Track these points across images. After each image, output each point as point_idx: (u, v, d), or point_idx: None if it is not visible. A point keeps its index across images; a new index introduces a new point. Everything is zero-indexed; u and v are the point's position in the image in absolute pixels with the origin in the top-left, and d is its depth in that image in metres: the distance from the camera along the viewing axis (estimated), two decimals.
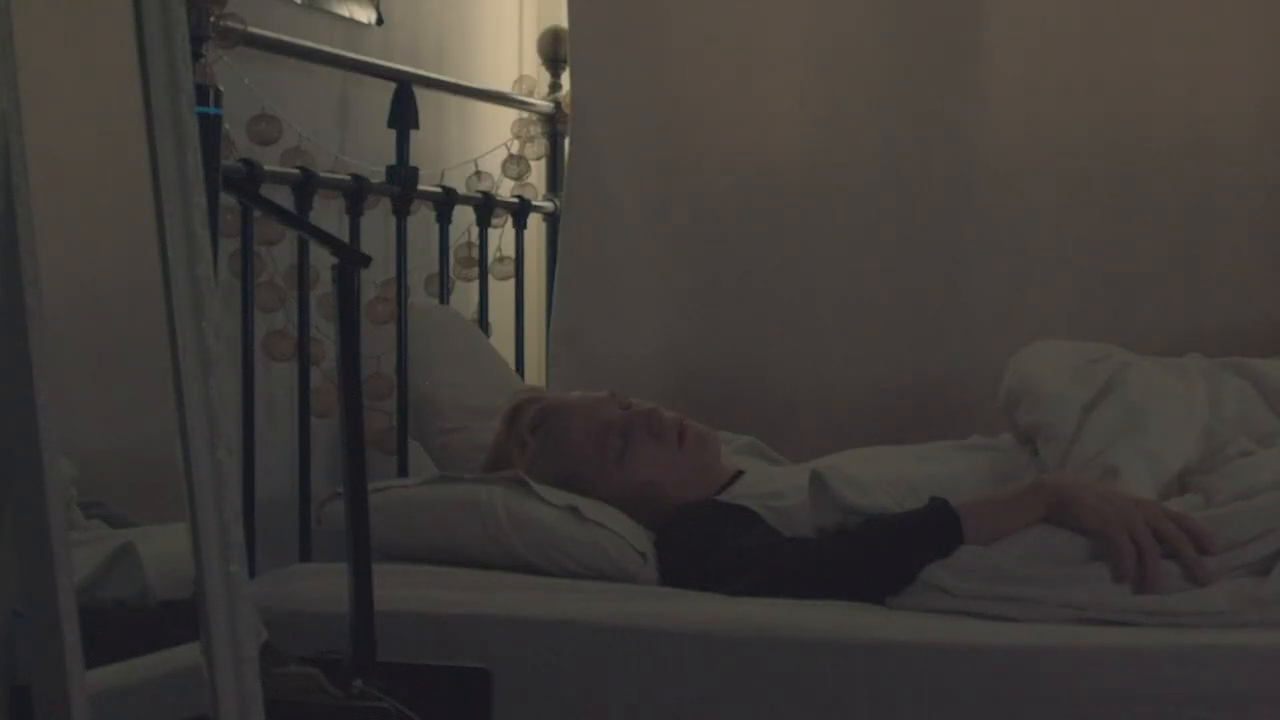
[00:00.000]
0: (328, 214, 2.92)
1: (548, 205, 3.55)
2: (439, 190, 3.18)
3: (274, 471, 2.78)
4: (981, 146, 3.24)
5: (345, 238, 2.80)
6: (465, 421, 2.96)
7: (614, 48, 3.39)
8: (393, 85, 3.06)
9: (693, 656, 2.17)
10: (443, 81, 3.32)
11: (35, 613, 1.50)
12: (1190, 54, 3.18)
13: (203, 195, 1.67)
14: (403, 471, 2.98)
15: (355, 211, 2.90)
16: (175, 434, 1.66)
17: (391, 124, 3.04)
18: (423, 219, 3.16)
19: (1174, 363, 2.73)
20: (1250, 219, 3.16)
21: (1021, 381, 2.68)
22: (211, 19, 2.51)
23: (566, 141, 3.50)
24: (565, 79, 3.52)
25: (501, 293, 3.41)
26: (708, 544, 2.48)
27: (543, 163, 3.60)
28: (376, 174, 3.00)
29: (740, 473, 2.71)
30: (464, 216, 3.30)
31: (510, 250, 3.45)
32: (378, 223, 3.04)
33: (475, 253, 3.33)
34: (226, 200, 2.51)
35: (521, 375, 3.37)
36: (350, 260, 2.10)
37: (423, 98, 3.09)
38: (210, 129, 1.90)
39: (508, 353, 3.34)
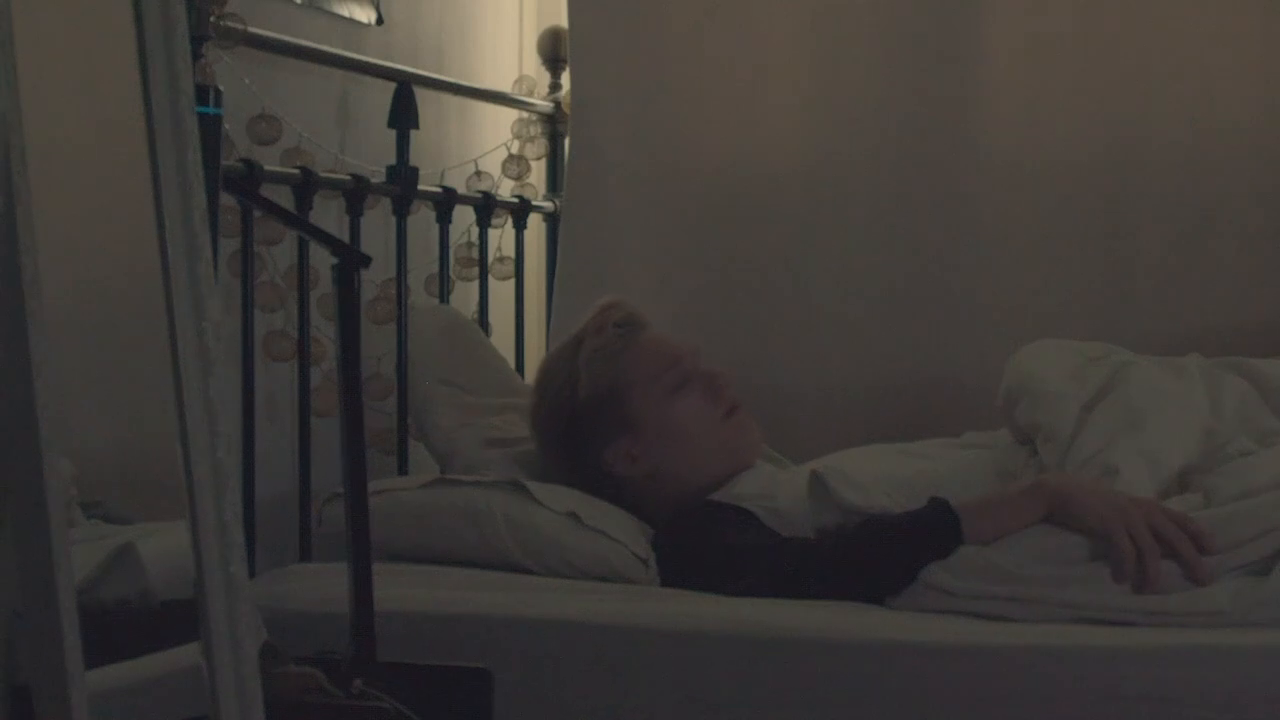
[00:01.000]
0: (328, 214, 2.92)
1: (548, 205, 3.55)
2: (439, 190, 3.18)
3: (274, 471, 2.78)
4: (981, 148, 3.24)
5: (345, 238, 2.80)
6: (466, 421, 2.96)
7: (614, 48, 3.39)
8: (393, 85, 3.06)
9: (693, 656, 2.17)
10: (443, 81, 3.32)
11: (35, 613, 1.50)
12: (1190, 54, 3.18)
13: (203, 195, 1.67)
14: (403, 471, 2.99)
15: (355, 211, 2.90)
16: (175, 434, 1.65)
17: (391, 124, 3.04)
18: (423, 219, 3.16)
19: (1173, 362, 2.73)
20: (1250, 219, 3.15)
21: (1021, 381, 2.68)
22: (211, 19, 2.51)
23: (566, 141, 3.50)
24: (565, 79, 3.52)
25: (501, 293, 3.41)
26: (707, 544, 2.48)
27: (543, 163, 3.60)
28: (376, 174, 3.00)
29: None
30: (464, 216, 3.30)
31: (510, 250, 3.45)
32: (378, 223, 3.04)
33: (475, 253, 3.33)
34: (226, 200, 2.51)
35: (522, 375, 3.37)
36: (350, 260, 2.10)
37: (423, 98, 3.09)
38: (210, 129, 1.90)
39: (508, 353, 3.34)
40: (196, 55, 2.38)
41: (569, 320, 3.35)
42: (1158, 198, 3.19)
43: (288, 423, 2.84)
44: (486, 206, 3.33)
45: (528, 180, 3.54)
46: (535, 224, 3.59)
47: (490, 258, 3.37)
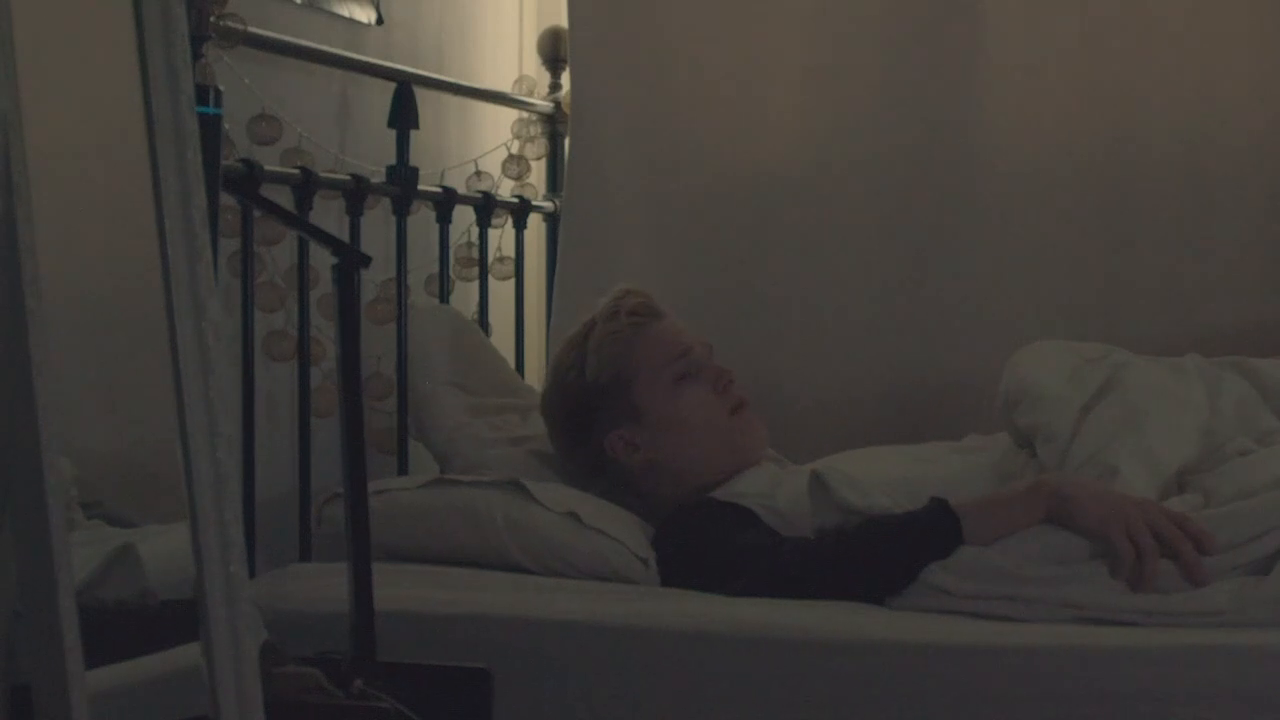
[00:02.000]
0: (328, 214, 2.92)
1: (548, 205, 3.55)
2: (439, 190, 3.18)
3: (274, 471, 2.78)
4: (981, 148, 3.24)
5: (345, 238, 2.80)
6: (466, 421, 2.96)
7: (614, 48, 3.39)
8: (393, 85, 3.06)
9: (693, 656, 2.17)
10: (443, 81, 3.32)
11: (35, 613, 1.50)
12: (1189, 57, 3.18)
13: (203, 195, 1.67)
14: (403, 471, 2.98)
15: (355, 211, 2.90)
16: (175, 434, 1.65)
17: (391, 124, 3.04)
18: (423, 219, 3.16)
19: (1172, 362, 2.73)
20: (1249, 221, 3.16)
21: (1019, 383, 2.68)
22: (211, 19, 2.51)
23: (566, 141, 3.50)
24: (565, 79, 3.52)
25: (501, 293, 3.41)
26: (706, 542, 2.48)
27: (543, 163, 3.60)
28: (376, 174, 3.00)
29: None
30: (464, 216, 3.30)
31: (510, 250, 3.45)
32: (378, 223, 3.04)
33: (475, 253, 3.33)
34: (226, 200, 2.51)
35: (522, 375, 3.37)
36: (350, 260, 2.10)
37: (423, 98, 3.09)
38: (210, 129, 1.90)
39: (508, 353, 3.34)
40: (196, 55, 2.37)
41: (569, 320, 3.35)
42: (1157, 199, 3.19)
43: (288, 423, 2.84)
44: (486, 206, 3.33)
45: (528, 180, 3.54)
46: (535, 224, 3.59)
47: (490, 258, 3.37)
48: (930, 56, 3.26)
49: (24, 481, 1.50)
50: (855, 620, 2.21)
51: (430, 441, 2.98)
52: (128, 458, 1.91)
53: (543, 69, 3.59)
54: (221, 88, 2.10)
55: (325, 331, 2.82)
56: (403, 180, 3.02)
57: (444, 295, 3.22)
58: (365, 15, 3.14)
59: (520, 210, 3.45)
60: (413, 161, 3.04)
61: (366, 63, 3.07)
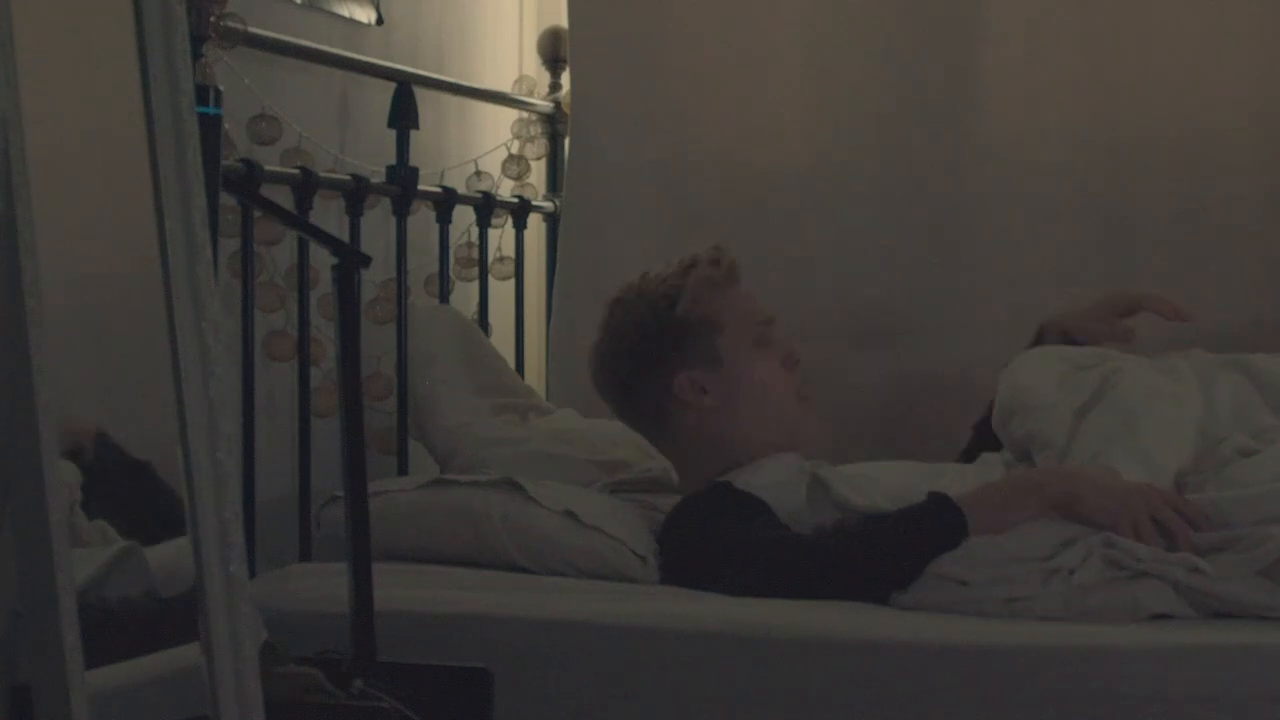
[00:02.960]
0: (328, 214, 2.92)
1: (548, 205, 3.55)
2: (439, 190, 3.18)
3: (274, 471, 2.78)
4: (981, 143, 3.24)
5: (345, 238, 2.80)
6: (466, 421, 2.96)
7: (614, 48, 3.39)
8: (393, 85, 3.06)
9: (693, 656, 2.17)
10: (443, 81, 3.32)
11: (35, 613, 1.50)
12: (1190, 52, 3.18)
13: (203, 195, 1.67)
14: (403, 471, 2.98)
15: (355, 211, 2.90)
16: (175, 434, 1.65)
17: (391, 124, 3.03)
18: (423, 219, 3.16)
19: (1166, 363, 2.73)
20: (1250, 218, 3.15)
21: (1012, 395, 2.67)
22: (211, 19, 2.51)
23: (566, 141, 3.50)
24: (565, 79, 3.52)
25: (501, 293, 3.41)
26: (711, 532, 2.48)
27: (543, 163, 3.60)
28: (376, 174, 3.00)
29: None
30: (464, 216, 3.30)
31: (510, 250, 3.45)
32: (378, 223, 3.04)
33: (475, 253, 3.33)
34: (226, 200, 2.51)
35: (522, 375, 3.37)
36: (350, 260, 2.10)
37: (423, 98, 3.09)
38: (210, 129, 1.90)
39: (508, 353, 3.34)
40: (196, 55, 2.37)
41: (569, 320, 3.36)
42: (1158, 196, 3.19)
43: (288, 423, 2.83)
44: (486, 206, 3.33)
45: (528, 180, 3.54)
46: (535, 224, 3.58)
47: (490, 258, 3.37)
48: (931, 57, 3.26)
49: (24, 481, 1.50)
50: (855, 620, 2.21)
51: (430, 441, 2.98)
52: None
53: (543, 69, 3.59)
54: (221, 88, 2.10)
55: (325, 331, 2.82)
56: (403, 180, 3.02)
57: (444, 295, 3.22)
58: (365, 15, 3.14)
59: (520, 210, 3.45)
60: (413, 161, 3.04)
61: (366, 63, 3.07)
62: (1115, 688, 2.03)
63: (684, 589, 2.44)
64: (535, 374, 3.52)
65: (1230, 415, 2.62)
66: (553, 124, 3.59)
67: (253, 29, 2.65)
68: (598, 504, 2.63)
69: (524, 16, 3.69)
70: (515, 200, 3.44)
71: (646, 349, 2.70)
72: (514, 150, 3.52)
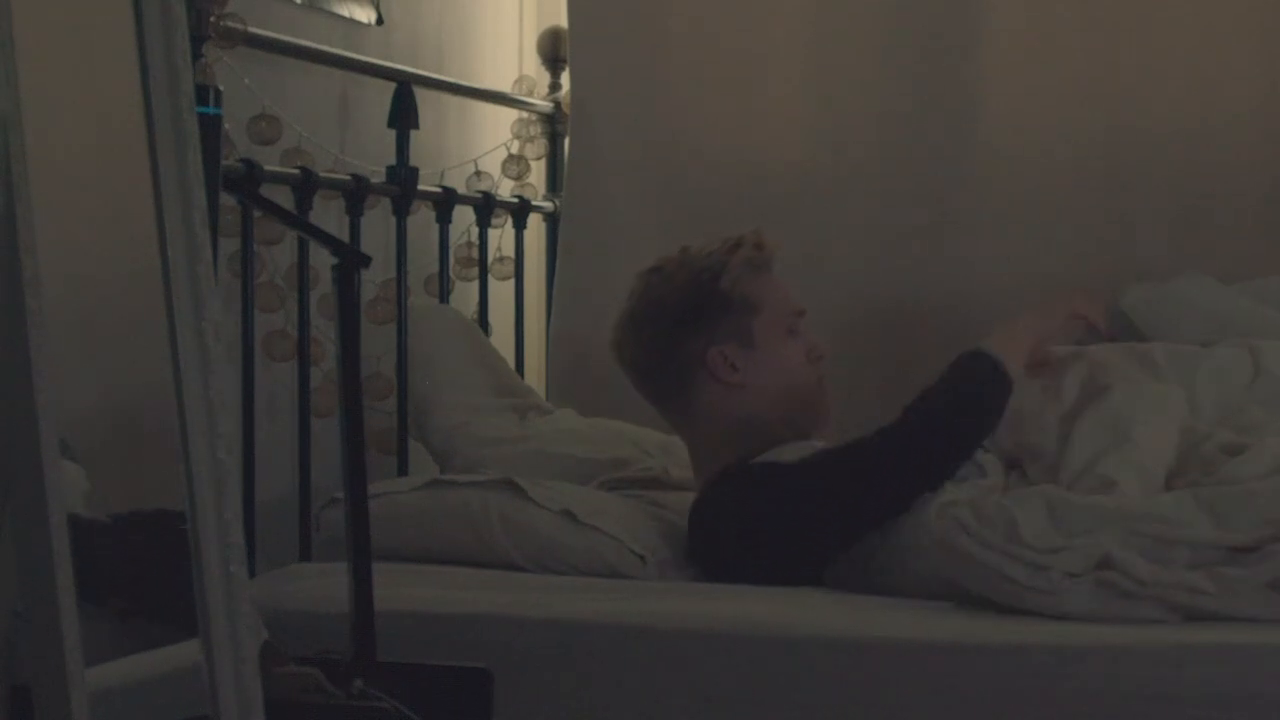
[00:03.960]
0: (328, 214, 2.92)
1: (548, 205, 3.55)
2: (439, 190, 3.18)
3: (274, 471, 2.78)
4: (982, 139, 3.24)
5: (345, 238, 2.80)
6: (466, 421, 2.96)
7: (614, 48, 3.39)
8: (393, 85, 3.06)
9: (693, 656, 2.17)
10: (443, 81, 3.32)
11: (35, 613, 1.50)
12: (1190, 45, 3.18)
13: (203, 195, 1.67)
14: (403, 471, 2.98)
15: (355, 211, 2.90)
16: (175, 434, 1.65)
17: (391, 124, 3.03)
18: (423, 219, 3.16)
19: (1141, 352, 2.72)
20: (1251, 209, 3.15)
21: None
22: (211, 19, 2.51)
23: (566, 141, 3.50)
24: (565, 79, 3.52)
25: (501, 293, 3.41)
26: (757, 497, 2.50)
27: (543, 163, 3.60)
28: (376, 174, 3.00)
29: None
30: (464, 216, 3.30)
31: (510, 250, 3.45)
32: (378, 223, 3.04)
33: (475, 253, 3.33)
34: (226, 200, 2.51)
35: (522, 375, 3.37)
36: (350, 260, 2.10)
37: (423, 98, 3.09)
38: (210, 129, 1.90)
39: (508, 353, 3.34)
40: (196, 55, 2.38)
41: (569, 320, 3.36)
42: (1159, 188, 3.19)
43: (288, 423, 2.84)
44: (486, 206, 3.33)
45: (528, 180, 3.54)
46: (535, 224, 3.59)
47: (490, 258, 3.37)
48: (931, 54, 3.26)
49: (24, 481, 1.50)
50: (855, 620, 2.21)
51: (429, 441, 2.98)
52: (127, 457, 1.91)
53: (543, 69, 3.59)
54: (221, 88, 2.10)
55: (325, 331, 2.82)
56: (403, 180, 3.02)
57: (444, 295, 3.22)
58: (365, 15, 3.14)
59: (520, 210, 3.45)
60: (413, 161, 3.04)
61: (366, 63, 3.07)
62: (1115, 687, 2.03)
63: (686, 586, 2.45)
64: (535, 374, 3.52)
65: (1213, 411, 2.62)
66: (553, 124, 3.59)
67: (253, 29, 2.66)
68: (597, 503, 2.63)
69: (524, 16, 3.69)
70: (515, 200, 3.44)
71: (685, 317, 2.68)
72: (514, 150, 3.52)
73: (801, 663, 2.14)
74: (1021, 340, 2.61)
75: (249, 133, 2.78)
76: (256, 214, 2.63)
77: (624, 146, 3.38)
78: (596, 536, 2.54)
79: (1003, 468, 2.62)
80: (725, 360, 2.65)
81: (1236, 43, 3.17)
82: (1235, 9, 3.18)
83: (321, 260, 2.70)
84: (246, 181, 2.59)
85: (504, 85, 3.57)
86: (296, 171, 2.78)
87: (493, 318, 3.33)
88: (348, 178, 2.90)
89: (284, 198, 2.73)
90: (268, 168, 2.69)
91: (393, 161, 3.02)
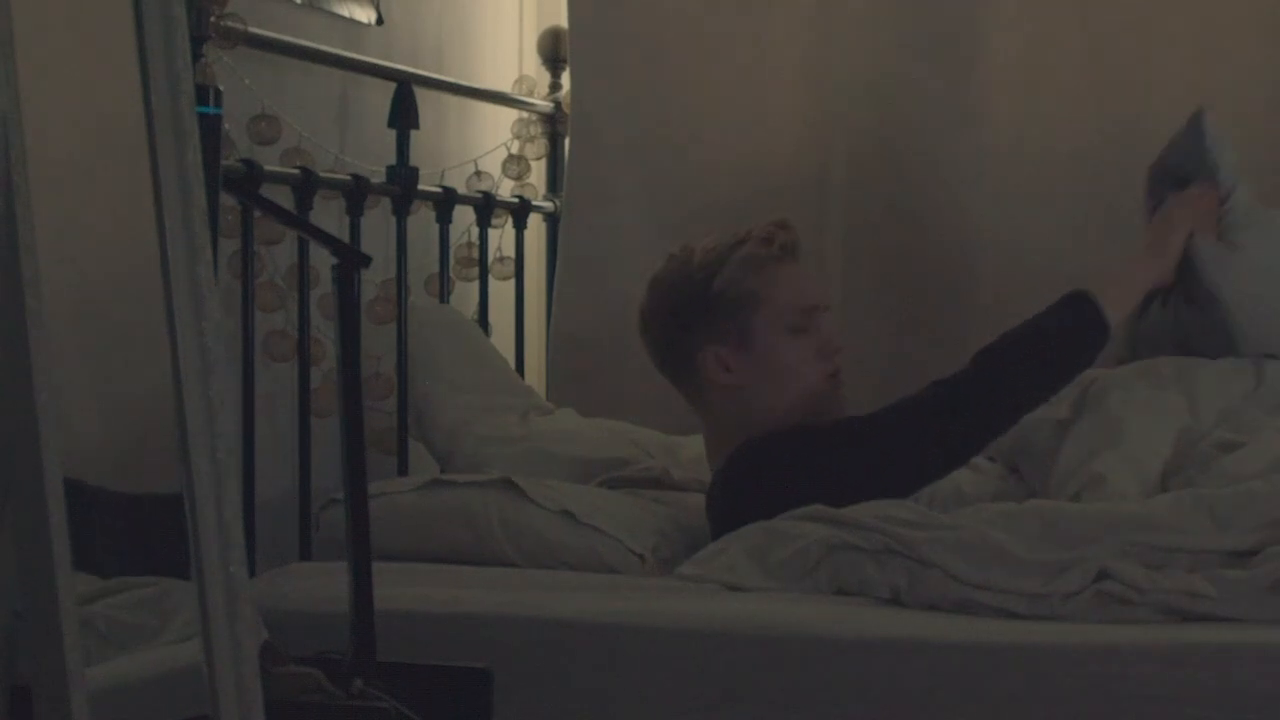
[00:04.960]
0: (328, 214, 2.92)
1: (548, 205, 3.55)
2: (439, 190, 3.18)
3: (274, 471, 2.78)
4: (985, 145, 3.24)
5: (345, 238, 2.80)
6: (466, 421, 2.96)
7: (614, 48, 3.39)
8: (393, 85, 3.06)
9: (693, 655, 2.17)
10: (443, 81, 3.32)
11: (35, 613, 1.50)
12: (1190, 49, 3.18)
13: (203, 195, 1.67)
14: (403, 471, 2.99)
15: (355, 211, 2.90)
16: (175, 434, 1.65)
17: (391, 124, 3.04)
18: (423, 219, 3.16)
19: (1148, 367, 2.73)
20: None
21: None
22: (211, 19, 2.51)
23: (566, 141, 3.50)
24: (565, 79, 3.52)
25: (501, 293, 3.41)
26: (801, 449, 2.51)
27: (543, 163, 3.60)
28: (376, 174, 3.00)
29: None
30: (464, 216, 3.30)
31: (510, 250, 3.45)
32: (378, 223, 3.04)
33: (475, 253, 3.33)
34: (226, 200, 2.51)
35: (522, 375, 3.37)
36: (350, 260, 2.10)
37: (423, 98, 3.09)
38: (210, 129, 1.90)
39: (508, 353, 3.34)
40: (196, 55, 2.37)
41: (569, 320, 3.36)
42: None
43: (288, 423, 2.84)
44: (486, 206, 3.33)
45: (528, 180, 3.54)
46: (535, 224, 3.59)
47: (490, 258, 3.37)
48: (932, 55, 3.26)
49: (24, 481, 1.50)
50: (856, 620, 2.21)
51: (430, 441, 2.98)
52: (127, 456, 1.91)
53: (543, 69, 3.59)
54: (221, 88, 2.10)
55: (325, 331, 2.82)
56: (403, 180, 3.02)
57: (444, 295, 3.22)
58: (365, 15, 3.14)
59: (520, 210, 3.45)
60: (413, 161, 3.04)
61: (366, 63, 3.07)
62: (1114, 687, 2.03)
63: (682, 584, 2.45)
64: (535, 374, 3.52)
65: (1215, 418, 2.62)
66: (553, 124, 3.59)
67: (253, 29, 2.66)
68: (596, 502, 2.63)
69: (524, 16, 3.69)
70: (515, 200, 3.44)
71: (676, 321, 2.68)
72: (514, 150, 3.52)
73: (802, 662, 2.14)
74: (1135, 287, 2.66)
75: (249, 133, 2.78)
76: (256, 214, 2.63)
77: (624, 146, 3.38)
78: (596, 536, 2.54)
79: (1002, 470, 2.63)
80: (718, 361, 2.64)
81: (1239, 44, 3.17)
82: (1237, 11, 3.17)
83: (321, 260, 2.70)
84: (246, 181, 2.59)
85: (504, 85, 3.57)
86: (296, 171, 2.78)
87: (493, 318, 3.33)
88: (348, 178, 2.90)
89: (284, 198, 2.73)
90: (268, 168, 2.69)
91: (393, 161, 3.02)
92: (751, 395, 2.64)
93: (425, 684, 2.05)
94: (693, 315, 2.65)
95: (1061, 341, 2.53)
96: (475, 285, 3.33)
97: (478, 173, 3.42)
